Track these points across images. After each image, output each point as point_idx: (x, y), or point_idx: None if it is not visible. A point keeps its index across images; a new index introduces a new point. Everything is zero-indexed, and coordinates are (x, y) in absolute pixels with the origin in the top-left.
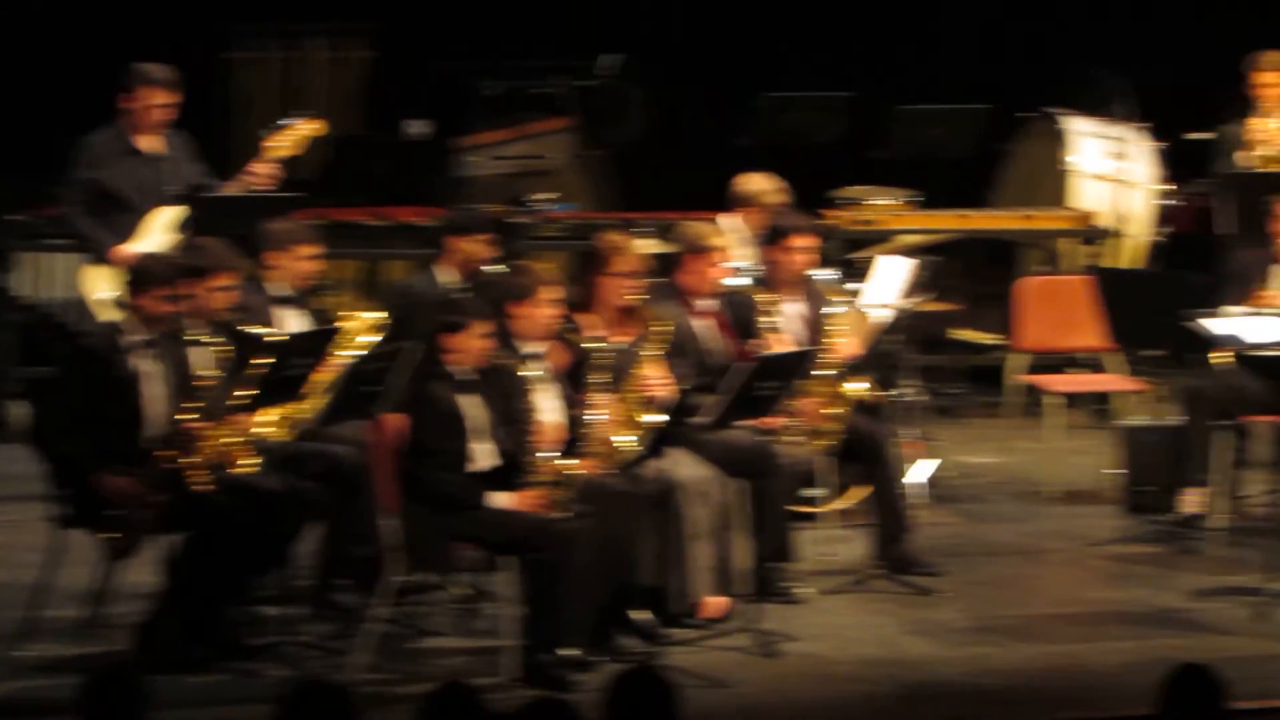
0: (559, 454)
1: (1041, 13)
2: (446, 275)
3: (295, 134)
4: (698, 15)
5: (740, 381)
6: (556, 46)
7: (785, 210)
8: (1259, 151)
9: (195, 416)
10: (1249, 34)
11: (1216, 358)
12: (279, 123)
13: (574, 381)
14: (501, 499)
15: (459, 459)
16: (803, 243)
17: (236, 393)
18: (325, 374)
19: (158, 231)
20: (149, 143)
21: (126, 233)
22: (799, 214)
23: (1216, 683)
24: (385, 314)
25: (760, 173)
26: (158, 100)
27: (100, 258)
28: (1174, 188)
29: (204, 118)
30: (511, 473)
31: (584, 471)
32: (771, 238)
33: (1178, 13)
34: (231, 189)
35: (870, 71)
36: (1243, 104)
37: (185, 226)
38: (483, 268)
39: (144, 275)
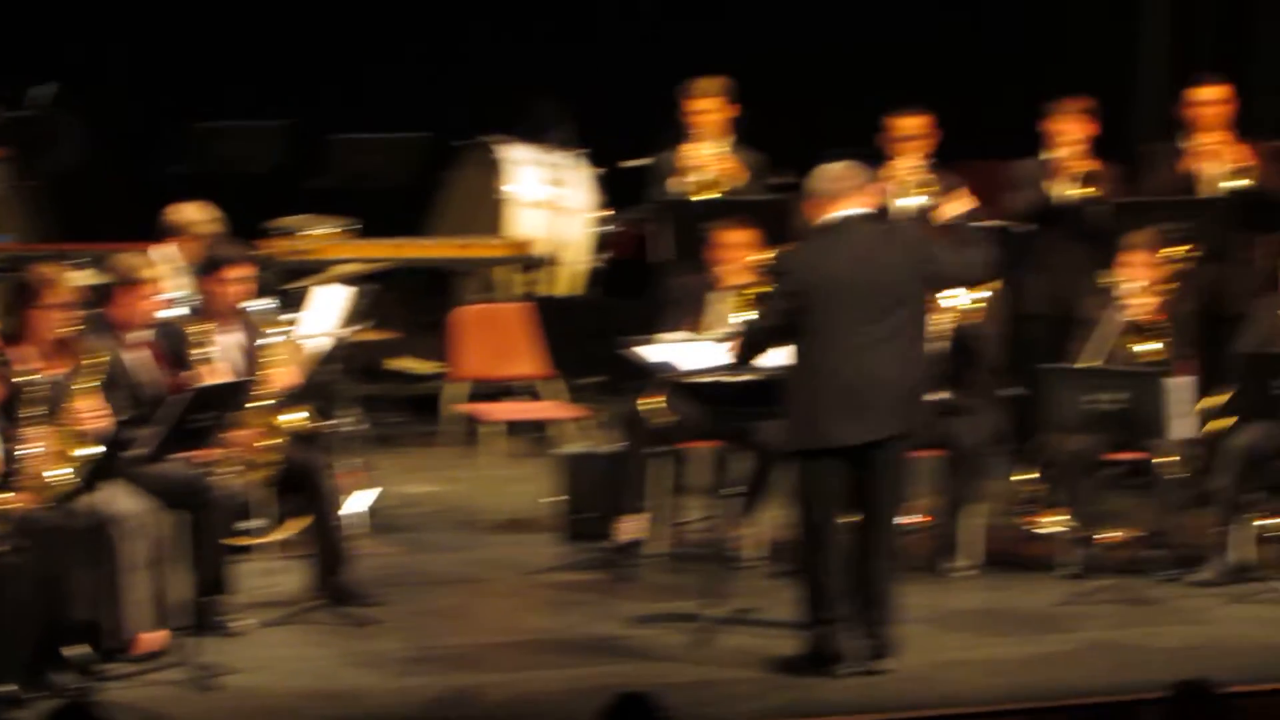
0: None
1: (476, 39)
2: None
3: None
4: (134, 42)
5: (175, 413)
6: None
7: (220, 240)
8: (693, 178)
9: None
10: (685, 61)
11: (651, 392)
12: None
13: (7, 415)
14: None
15: None
16: (238, 273)
17: None
18: None
19: None
20: None
21: None
22: (234, 244)
23: (655, 709)
24: None
25: (194, 202)
26: None
27: None
28: (611, 214)
29: None
30: None
31: (17, 506)
32: (206, 268)
33: (615, 39)
34: None
35: (306, 100)
36: (678, 131)
37: None
38: None
39: None
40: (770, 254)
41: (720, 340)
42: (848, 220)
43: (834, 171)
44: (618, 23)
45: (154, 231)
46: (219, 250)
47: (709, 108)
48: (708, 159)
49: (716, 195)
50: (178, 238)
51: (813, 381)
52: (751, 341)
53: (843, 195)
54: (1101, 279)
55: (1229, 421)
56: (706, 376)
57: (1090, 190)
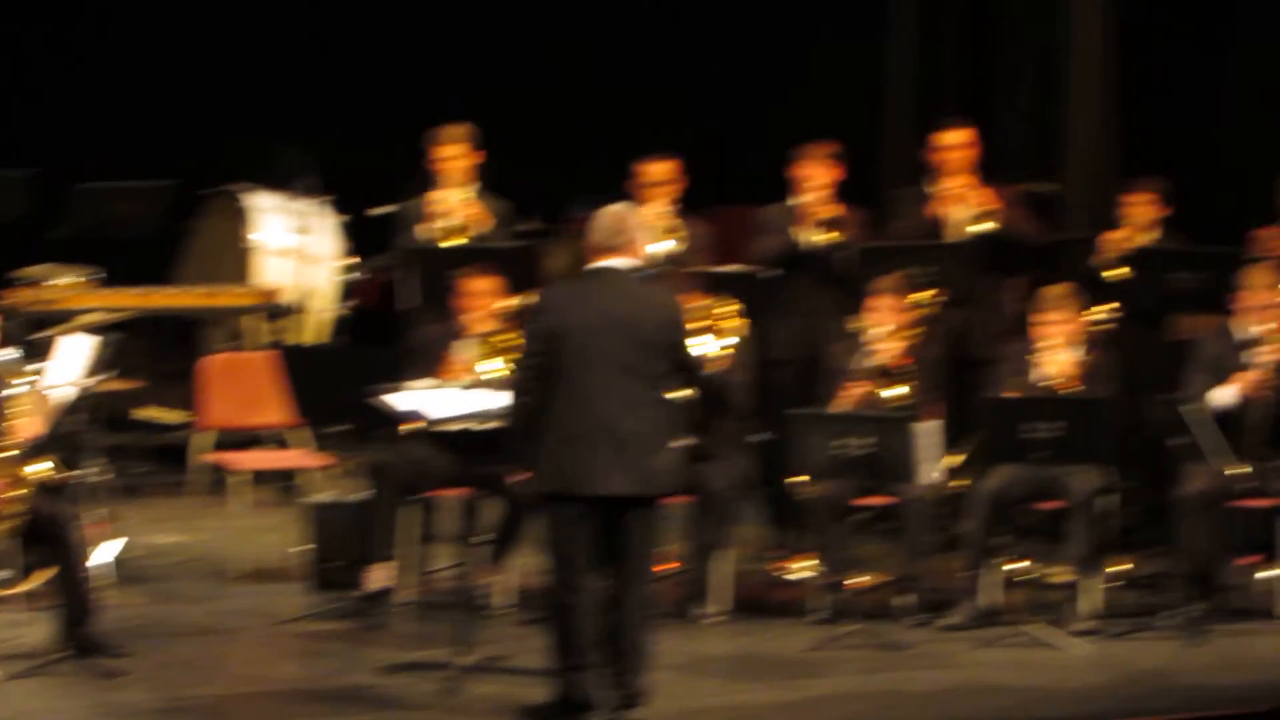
0: None
1: (221, 87)
2: None
3: None
4: None
5: None
6: None
7: None
8: (440, 224)
9: None
10: (430, 109)
11: (403, 431)
12: None
13: None
14: None
15: None
16: None
17: None
18: None
19: None
20: None
21: None
22: None
23: None
24: None
25: None
26: None
27: None
28: (357, 262)
29: None
30: None
31: None
32: None
33: (358, 88)
34: None
35: (50, 148)
36: (424, 178)
37: None
38: None
39: None
40: (513, 301)
41: (467, 387)
42: (610, 271)
43: (610, 220)
44: (362, 71)
45: None
46: None
47: (454, 154)
48: (454, 205)
49: (463, 242)
50: None
51: (564, 429)
52: (519, 403)
53: (614, 247)
54: (849, 324)
55: (977, 466)
56: (454, 424)
57: (836, 235)
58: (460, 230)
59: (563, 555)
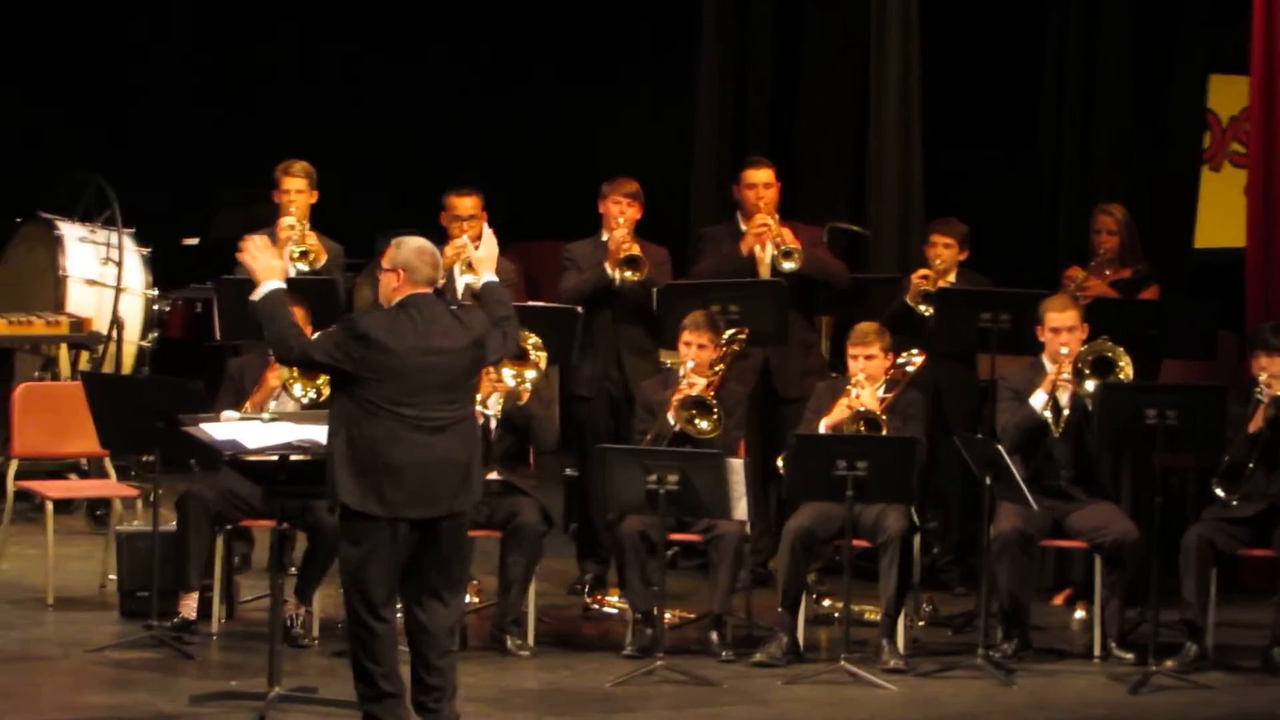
0: None
1: (28, 118)
2: None
3: None
4: None
5: None
6: None
7: None
8: (290, 249)
9: None
10: (231, 144)
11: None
12: None
13: None
14: None
15: None
16: None
17: None
18: None
19: None
20: None
21: None
22: None
23: None
24: None
25: None
26: None
27: None
28: (166, 294)
29: None
30: None
31: None
32: None
33: (161, 124)
34: None
35: None
36: (269, 210)
37: None
38: None
39: None
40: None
41: (275, 419)
42: (423, 299)
43: (416, 249)
44: (162, 109)
45: None
46: None
47: (299, 188)
48: (301, 234)
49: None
50: None
51: (375, 454)
52: (298, 350)
53: (422, 277)
54: (657, 359)
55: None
56: (264, 455)
57: (641, 272)
58: (306, 258)
59: (368, 584)
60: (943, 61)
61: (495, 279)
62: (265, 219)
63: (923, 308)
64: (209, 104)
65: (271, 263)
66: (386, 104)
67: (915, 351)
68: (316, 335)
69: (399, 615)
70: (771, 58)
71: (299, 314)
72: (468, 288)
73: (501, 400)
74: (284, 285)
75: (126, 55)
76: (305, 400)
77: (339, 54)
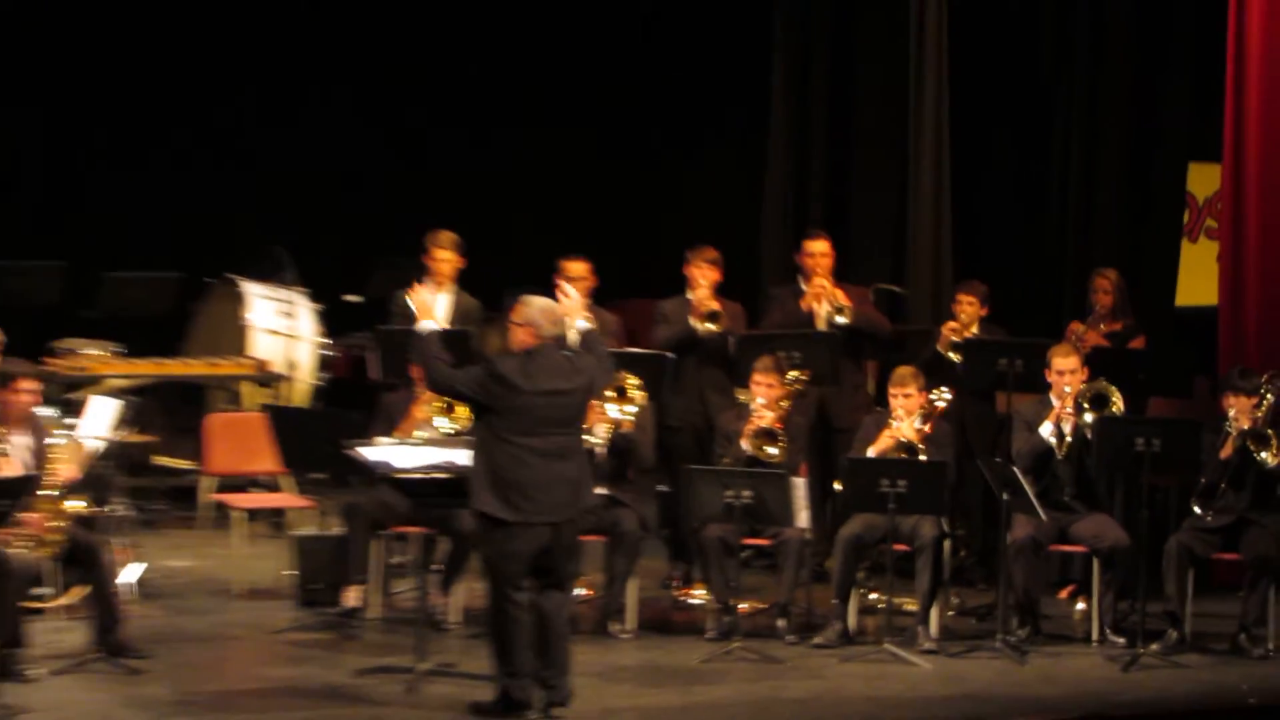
0: None
1: (222, 193)
2: None
3: None
4: None
5: None
6: None
7: (11, 359)
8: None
9: None
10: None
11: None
12: None
13: None
14: None
15: None
16: (27, 385)
17: None
18: None
19: None
20: None
21: None
22: (23, 362)
23: None
24: None
25: None
26: None
27: None
28: (332, 341)
29: None
30: None
31: None
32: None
33: (334, 199)
34: None
35: (77, 242)
36: (421, 271)
37: None
38: None
39: None
40: None
41: (422, 443)
42: (546, 349)
43: (539, 306)
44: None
45: None
46: (10, 367)
47: (447, 257)
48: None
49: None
50: None
51: (507, 472)
52: (445, 381)
53: (542, 329)
54: (734, 397)
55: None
56: (413, 474)
57: (720, 325)
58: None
59: (501, 580)
60: (968, 148)
61: (591, 326)
62: (415, 280)
63: (951, 354)
64: (365, 187)
65: (431, 306)
66: (512, 178)
67: (945, 390)
68: (461, 370)
69: (527, 605)
70: (828, 145)
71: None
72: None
73: (608, 429)
74: (438, 327)
75: (302, 142)
76: (444, 431)
77: (467, 134)
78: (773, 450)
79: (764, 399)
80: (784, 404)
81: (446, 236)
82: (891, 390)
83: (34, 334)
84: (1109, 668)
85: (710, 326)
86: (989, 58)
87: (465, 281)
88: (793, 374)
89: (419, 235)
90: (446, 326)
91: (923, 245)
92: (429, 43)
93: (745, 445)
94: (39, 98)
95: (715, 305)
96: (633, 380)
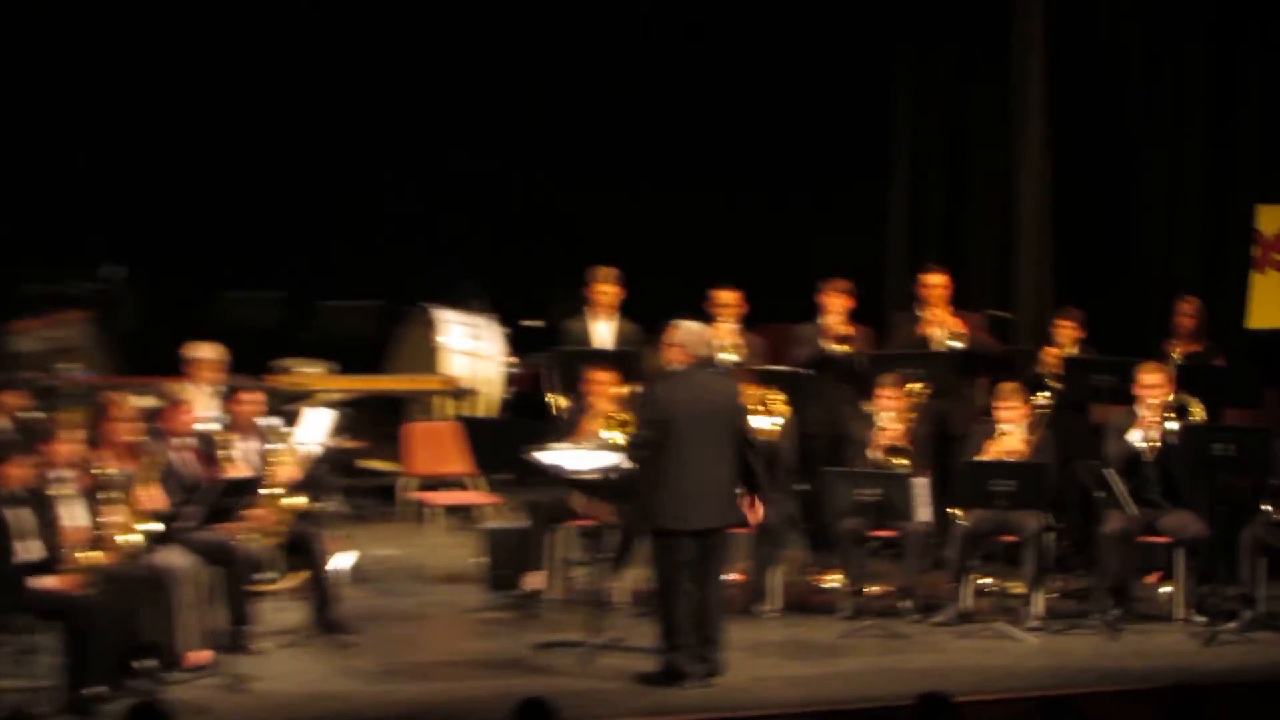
0: (87, 548)
1: (420, 231)
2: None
3: None
4: (172, 233)
5: (211, 497)
6: (74, 257)
7: (237, 375)
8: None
9: None
10: (585, 253)
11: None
12: None
13: (90, 497)
14: (48, 582)
15: (5, 554)
16: (251, 398)
17: None
18: None
19: None
20: None
21: None
22: (248, 378)
23: (552, 711)
24: None
25: (205, 342)
26: None
27: None
28: (516, 360)
29: None
30: (53, 562)
31: (102, 562)
32: (229, 394)
33: (524, 235)
34: None
35: (295, 274)
36: (580, 301)
37: None
38: (19, 415)
39: None
40: (626, 389)
41: (592, 449)
42: (695, 368)
43: (692, 331)
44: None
45: (180, 363)
46: (237, 381)
47: (608, 290)
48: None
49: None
50: (192, 367)
51: (668, 481)
52: (636, 454)
53: (693, 350)
54: (863, 409)
55: (955, 510)
56: (585, 475)
57: (848, 347)
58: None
59: (665, 568)
60: (1067, 192)
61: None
62: (583, 308)
63: (1050, 381)
64: (546, 227)
65: None
66: (677, 221)
67: (1046, 398)
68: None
69: (686, 589)
70: (944, 193)
71: (609, 377)
72: (729, 362)
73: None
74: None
75: (493, 185)
76: (610, 440)
77: (643, 188)
78: (903, 462)
79: (888, 411)
80: (911, 416)
81: (607, 272)
82: (998, 404)
83: (258, 355)
84: (1191, 643)
85: (842, 348)
86: (1085, 113)
87: (634, 307)
88: (916, 388)
89: (587, 267)
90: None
91: (1027, 277)
92: (617, 110)
93: (876, 455)
94: (270, 147)
95: (847, 329)
96: (777, 395)
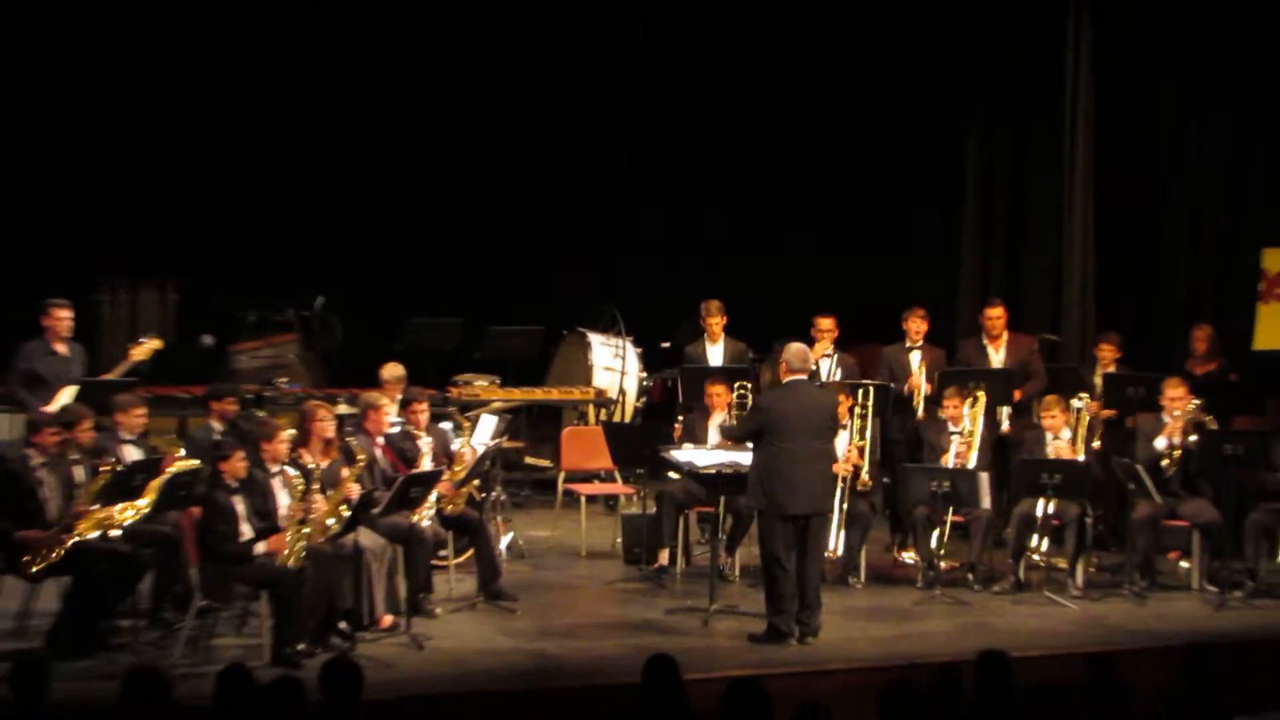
0: (295, 530)
1: (572, 266)
2: (216, 424)
3: (146, 346)
4: (368, 273)
5: (401, 488)
6: (286, 288)
7: (412, 386)
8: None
9: (79, 505)
10: (701, 286)
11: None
12: (139, 339)
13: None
14: (259, 546)
15: (233, 533)
16: (420, 406)
17: (100, 490)
18: (155, 484)
19: (64, 399)
20: (60, 348)
21: (46, 401)
22: (421, 389)
23: (676, 665)
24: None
25: (392, 362)
26: (63, 318)
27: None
28: (650, 375)
29: (79, 336)
30: (263, 538)
31: (310, 541)
32: (405, 403)
33: (654, 267)
34: (108, 377)
35: (470, 304)
36: (697, 328)
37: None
38: (236, 420)
39: (37, 425)
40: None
41: (712, 449)
42: (799, 382)
43: (796, 351)
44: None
45: (377, 381)
46: (410, 393)
47: (716, 319)
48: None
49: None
50: (382, 381)
51: (774, 474)
52: (737, 437)
53: (798, 367)
54: (936, 414)
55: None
56: (707, 470)
57: (923, 365)
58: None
59: (772, 546)
60: (1108, 234)
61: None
62: (701, 335)
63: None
64: (679, 267)
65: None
66: (783, 259)
67: (1082, 395)
68: (739, 424)
69: (789, 564)
70: (1005, 238)
71: (723, 389)
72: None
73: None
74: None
75: (631, 232)
76: (722, 425)
77: (762, 230)
78: (968, 452)
79: (952, 415)
80: (973, 420)
81: (714, 305)
82: (1043, 412)
83: (440, 371)
84: (1205, 609)
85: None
86: (1123, 166)
87: (748, 330)
88: (977, 395)
89: (701, 301)
90: (727, 365)
91: (1073, 306)
92: (742, 157)
93: (948, 457)
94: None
95: (924, 350)
96: (863, 405)
